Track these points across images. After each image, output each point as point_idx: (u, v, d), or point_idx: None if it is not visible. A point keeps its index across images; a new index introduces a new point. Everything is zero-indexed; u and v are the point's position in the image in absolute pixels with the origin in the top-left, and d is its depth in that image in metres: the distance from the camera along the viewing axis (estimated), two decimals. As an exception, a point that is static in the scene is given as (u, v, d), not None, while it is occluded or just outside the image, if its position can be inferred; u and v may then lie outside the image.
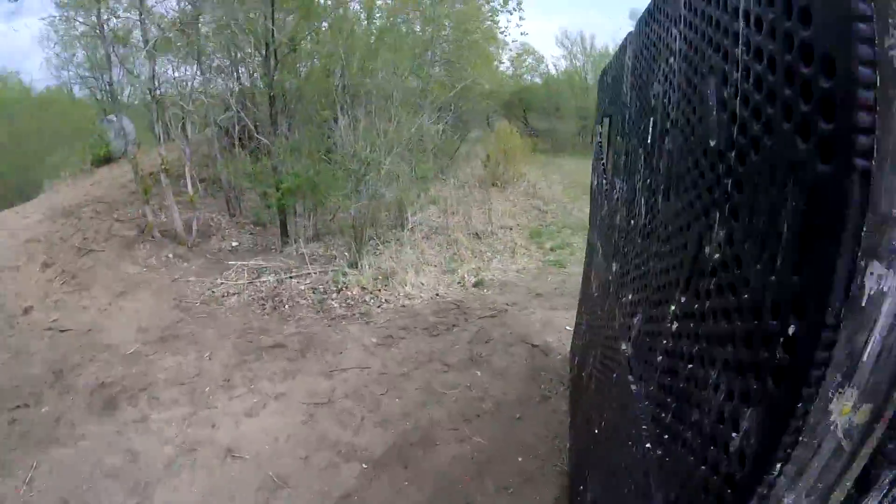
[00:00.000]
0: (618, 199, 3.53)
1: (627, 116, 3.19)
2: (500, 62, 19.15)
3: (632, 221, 2.99)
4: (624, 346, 2.79)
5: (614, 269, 3.51)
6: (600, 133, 4.97)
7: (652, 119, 2.47)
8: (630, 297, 2.86)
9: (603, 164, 4.70)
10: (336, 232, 11.14)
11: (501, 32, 17.89)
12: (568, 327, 7.49)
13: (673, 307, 1.81)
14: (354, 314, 7.51)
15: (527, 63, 26.75)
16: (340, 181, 9.47)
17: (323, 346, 6.59)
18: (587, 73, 35.92)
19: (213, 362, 6.22)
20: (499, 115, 23.39)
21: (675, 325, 1.80)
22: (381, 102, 10.99)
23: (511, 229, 12.70)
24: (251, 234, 11.28)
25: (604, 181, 4.54)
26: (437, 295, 8.37)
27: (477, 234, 11.90)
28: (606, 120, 4.92)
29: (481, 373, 6.19)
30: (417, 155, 11.63)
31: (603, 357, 3.70)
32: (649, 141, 2.54)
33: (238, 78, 12.45)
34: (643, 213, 2.66)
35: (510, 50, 22.48)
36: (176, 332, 6.85)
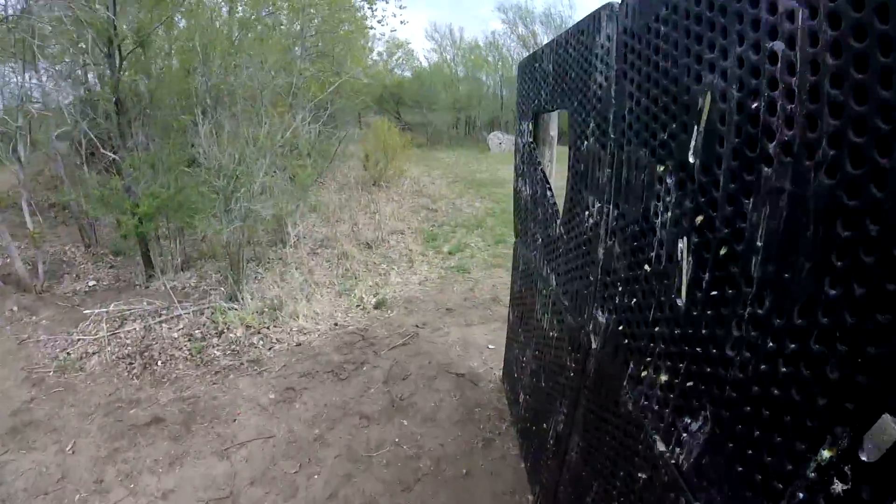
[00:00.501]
0: (592, 223, 2.74)
1: (613, 117, 2.39)
2: (374, 57, 18.22)
3: (643, 267, 2.21)
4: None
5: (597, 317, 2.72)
6: (528, 132, 4.19)
7: (698, 127, 1.68)
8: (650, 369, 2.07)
9: (540, 171, 3.92)
10: (209, 256, 9.77)
11: (378, 21, 17.00)
12: (490, 346, 6.76)
13: None
14: (243, 363, 6.31)
15: (397, 57, 26.24)
16: (206, 200, 8.13)
17: (211, 414, 5.40)
18: (457, 66, 36.28)
19: (78, 457, 4.87)
20: (371, 111, 22.47)
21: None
22: (248, 104, 9.69)
23: (403, 234, 11.81)
24: (111, 266, 9.62)
25: (546, 192, 3.76)
26: (337, 325, 7.32)
27: (368, 243, 10.91)
28: (547, 117, 4.15)
29: (408, 421, 5.28)
30: (292, 161, 10.40)
31: (590, 415, 2.92)
32: (691, 159, 1.75)
33: (85, 82, 10.65)
34: (680, 266, 1.88)
35: (382, 43, 21.82)
36: (29, 418, 5.37)
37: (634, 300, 2.35)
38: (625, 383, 2.49)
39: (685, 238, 1.85)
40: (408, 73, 32.20)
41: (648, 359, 2.27)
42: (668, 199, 2.00)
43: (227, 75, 9.67)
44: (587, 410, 2.99)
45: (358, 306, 7.94)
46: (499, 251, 10.79)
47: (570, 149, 2.99)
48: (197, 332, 7.03)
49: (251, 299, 7.62)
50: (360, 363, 6.29)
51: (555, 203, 3.59)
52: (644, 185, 2.17)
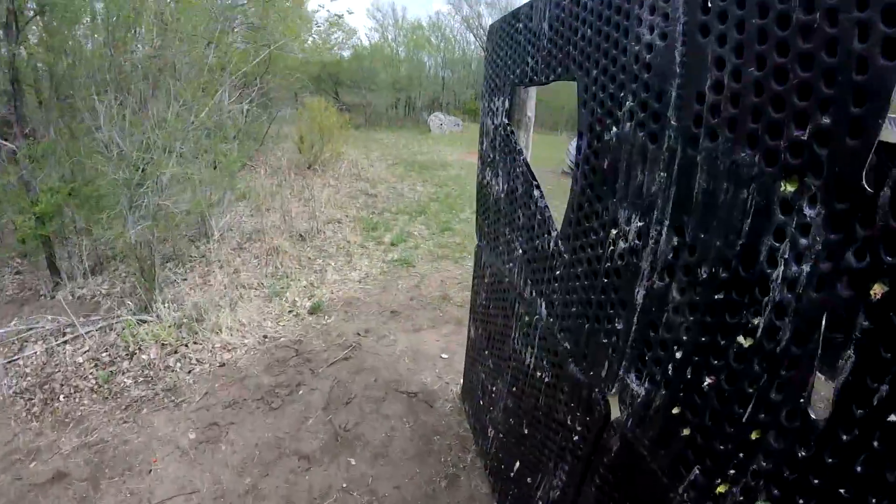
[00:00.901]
0: (624, 249, 1.90)
1: (678, 96, 1.55)
2: (312, 36, 17.01)
3: (735, 337, 1.42)
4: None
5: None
6: (502, 111, 3.31)
7: None
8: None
9: (522, 162, 3.05)
10: (125, 256, 8.51)
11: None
12: (444, 355, 5.94)
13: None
14: (157, 393, 5.24)
15: (336, 36, 25.16)
16: (111, 196, 6.92)
17: (122, 464, 4.35)
18: (398, 46, 35.62)
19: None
20: (308, 91, 21.25)
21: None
22: (167, 82, 8.40)
23: (340, 223, 10.78)
24: (17, 272, 8.23)
25: (532, 191, 2.89)
26: (266, 337, 6.31)
27: (301, 234, 9.84)
28: (525, 93, 3.29)
29: (355, 459, 4.40)
30: (216, 144, 9.16)
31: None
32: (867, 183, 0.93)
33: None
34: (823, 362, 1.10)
35: (321, 19, 20.70)
36: None
37: (711, 382, 1.54)
38: (680, 491, 1.70)
39: (840, 316, 1.06)
40: (347, 53, 31.37)
41: (734, 473, 1.50)
42: (802, 239, 1.19)
43: (128, 52, 8.29)
44: (607, 497, 2.18)
45: (290, 312, 6.94)
46: (444, 240, 9.94)
47: (581, 135, 2.14)
48: (104, 354, 5.89)
49: (167, 310, 6.51)
50: (294, 386, 5.33)
51: (546, 207, 2.74)
52: (746, 207, 1.35)
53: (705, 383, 1.60)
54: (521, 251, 3.08)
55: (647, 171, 1.70)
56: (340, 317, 6.84)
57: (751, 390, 1.45)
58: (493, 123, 3.51)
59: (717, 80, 1.40)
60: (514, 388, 3.32)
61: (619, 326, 1.97)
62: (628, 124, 1.79)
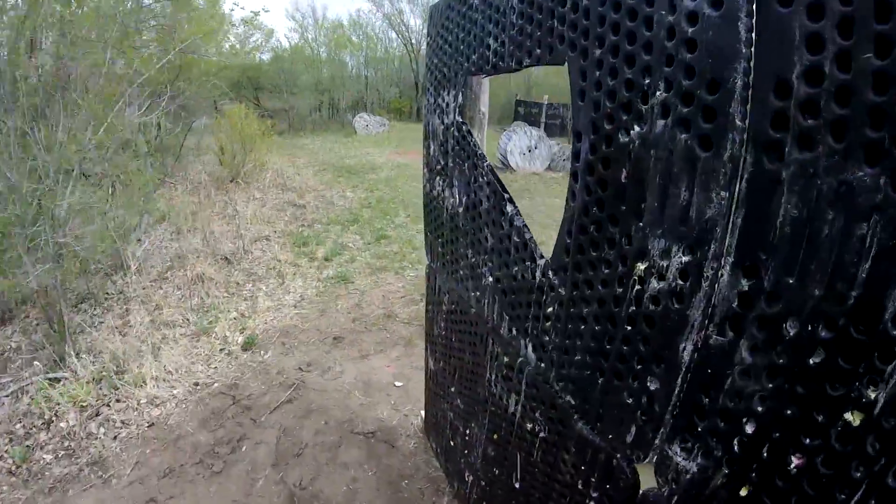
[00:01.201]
0: (661, 289, 1.46)
1: (745, 86, 1.10)
2: (230, 39, 16.10)
3: (841, 418, 1.00)
4: None
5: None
6: (454, 108, 2.83)
7: None
8: None
9: (485, 169, 2.58)
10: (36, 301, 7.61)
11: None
12: (397, 383, 5.45)
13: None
14: (82, 468, 4.49)
15: (255, 38, 24.21)
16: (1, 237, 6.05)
17: None
18: (320, 47, 34.91)
19: None
20: (228, 98, 20.21)
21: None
22: (63, 95, 7.46)
23: (269, 240, 10.06)
24: None
25: (503, 207, 2.42)
26: (197, 384, 5.62)
27: (227, 257, 9.09)
28: (478, 86, 2.83)
29: (316, 526, 3.86)
30: (126, 164, 8.24)
31: None
32: None
33: None
34: None
35: (238, 22, 19.79)
36: None
37: (800, 463, 1.15)
38: None
39: None
40: (267, 56, 30.49)
41: None
42: None
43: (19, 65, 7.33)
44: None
45: (222, 350, 6.27)
46: (382, 250, 9.40)
47: (578, 136, 1.69)
48: (19, 426, 5.07)
49: (83, 363, 5.73)
50: (236, 441, 4.71)
51: (525, 227, 2.29)
52: (864, 247, 0.93)
53: (792, 465, 1.19)
54: (491, 279, 2.61)
55: (697, 189, 1.26)
56: (278, 350, 6.23)
57: (859, 475, 1.05)
58: (441, 123, 3.03)
59: (813, 66, 0.97)
60: (496, 437, 2.85)
61: (654, 387, 1.53)
62: (661, 122, 1.34)
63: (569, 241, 1.85)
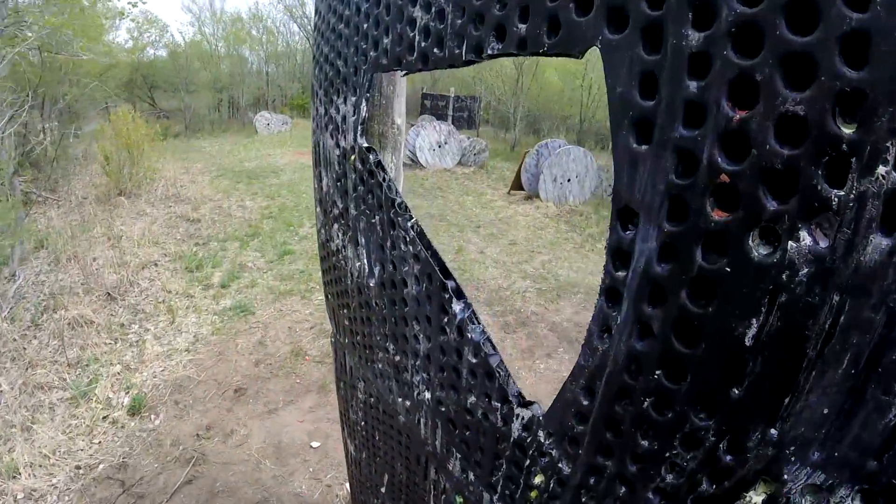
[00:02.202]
0: None
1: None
2: (122, 34, 14.59)
3: None
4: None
5: None
6: (355, 121, 1.91)
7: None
8: None
9: (409, 227, 1.68)
10: None
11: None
12: (314, 443, 4.58)
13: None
14: None
15: (149, 35, 22.47)
16: None
17: None
18: (217, 41, 33.41)
19: None
20: (120, 99, 18.38)
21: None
22: None
23: (157, 265, 8.79)
24: None
25: (444, 299, 1.55)
26: (80, 468, 4.51)
27: (109, 292, 7.78)
28: (391, 86, 1.98)
29: None
30: None
31: None
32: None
33: None
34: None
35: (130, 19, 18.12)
36: None
37: None
38: None
39: None
40: (162, 52, 28.64)
41: None
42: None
43: None
44: None
45: (106, 418, 5.15)
46: (286, 269, 8.39)
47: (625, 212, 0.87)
48: None
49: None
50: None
51: (487, 339, 1.46)
52: None
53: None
54: (428, 395, 1.77)
55: None
56: (171, 412, 5.18)
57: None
58: (336, 145, 2.10)
59: None
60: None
61: None
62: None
63: (588, 402, 1.04)
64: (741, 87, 0.72)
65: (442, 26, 1.30)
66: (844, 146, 0.64)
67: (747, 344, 0.81)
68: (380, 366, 2.15)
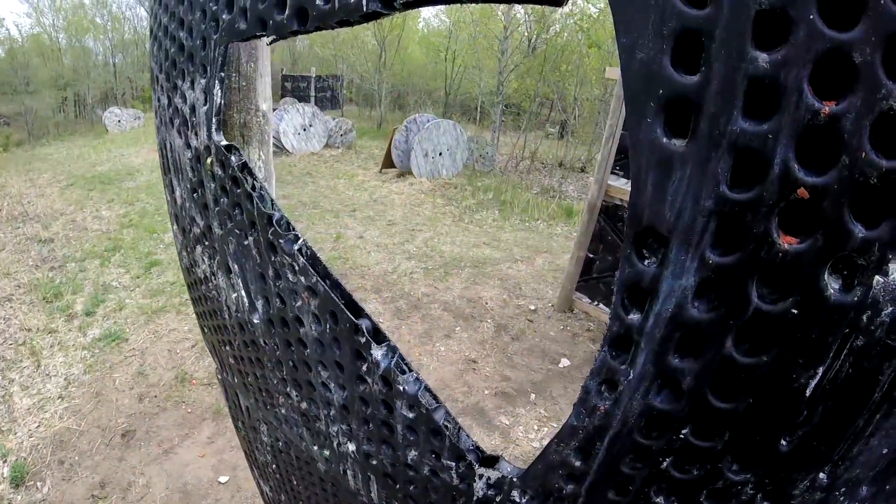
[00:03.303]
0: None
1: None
2: None
3: None
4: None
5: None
6: (210, 114, 1.50)
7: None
8: None
9: (293, 252, 1.34)
10: None
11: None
12: (222, 478, 4.23)
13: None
14: None
15: None
16: None
17: None
18: (58, 33, 30.89)
19: None
20: None
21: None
22: None
23: (11, 300, 7.71)
24: None
25: (354, 327, 1.26)
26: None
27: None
28: (251, 62, 1.71)
29: None
30: None
31: None
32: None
33: None
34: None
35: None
36: None
37: None
38: None
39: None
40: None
41: None
42: None
43: None
44: None
45: (-14, 501, 4.49)
46: (155, 283, 7.70)
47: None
48: None
49: None
50: None
51: (423, 389, 1.19)
52: None
53: None
54: (352, 447, 1.50)
55: None
56: (58, 475, 4.53)
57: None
58: (187, 145, 1.66)
59: None
60: None
61: None
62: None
63: (582, 464, 0.84)
64: (830, 70, 0.52)
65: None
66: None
67: (807, 395, 0.62)
68: (283, 411, 1.83)
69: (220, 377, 2.49)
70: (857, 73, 0.50)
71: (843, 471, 0.69)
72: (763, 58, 0.54)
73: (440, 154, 14.29)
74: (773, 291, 0.59)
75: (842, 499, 0.72)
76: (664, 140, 0.60)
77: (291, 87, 27.68)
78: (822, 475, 0.69)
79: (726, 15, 0.54)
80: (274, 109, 18.09)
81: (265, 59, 1.98)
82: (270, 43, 1.36)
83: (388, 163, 14.78)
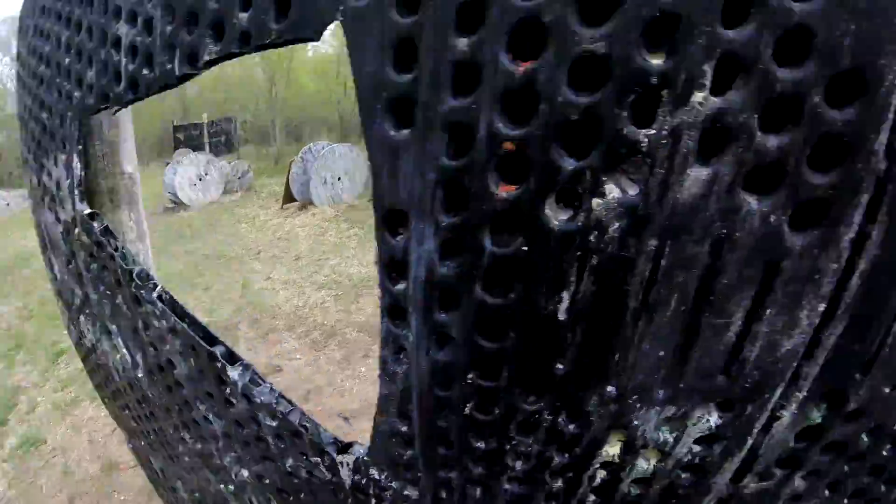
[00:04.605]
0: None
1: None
2: None
3: None
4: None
5: None
6: (73, 186, 1.54)
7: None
8: None
9: (144, 293, 1.40)
10: None
11: None
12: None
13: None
14: None
15: None
16: None
17: None
18: None
19: None
20: None
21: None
22: None
23: None
24: None
25: (208, 354, 1.31)
26: None
27: None
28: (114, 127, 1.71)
29: None
30: None
31: None
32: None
33: None
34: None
35: None
36: None
37: None
38: None
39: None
40: None
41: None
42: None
43: None
44: None
45: None
46: (64, 374, 7.29)
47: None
48: None
49: None
50: None
51: (278, 398, 1.26)
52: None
53: None
54: (246, 473, 1.53)
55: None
56: None
57: None
58: (57, 220, 1.72)
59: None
60: None
61: None
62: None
63: (406, 427, 0.94)
64: (523, 36, 0.62)
65: (150, 39, 1.09)
66: (654, 79, 0.58)
67: (561, 319, 0.71)
68: (186, 459, 1.85)
69: (130, 446, 2.46)
70: (548, 30, 0.60)
71: (627, 379, 0.78)
72: (463, 42, 0.63)
73: (339, 179, 14.22)
74: (503, 236, 0.68)
75: (637, 405, 0.81)
76: (392, 133, 0.72)
77: (184, 138, 26.83)
78: (609, 388, 0.79)
79: (433, 13, 0.64)
80: (167, 164, 17.55)
81: (128, 125, 2.02)
82: (115, 113, 1.45)
83: (288, 198, 14.59)
